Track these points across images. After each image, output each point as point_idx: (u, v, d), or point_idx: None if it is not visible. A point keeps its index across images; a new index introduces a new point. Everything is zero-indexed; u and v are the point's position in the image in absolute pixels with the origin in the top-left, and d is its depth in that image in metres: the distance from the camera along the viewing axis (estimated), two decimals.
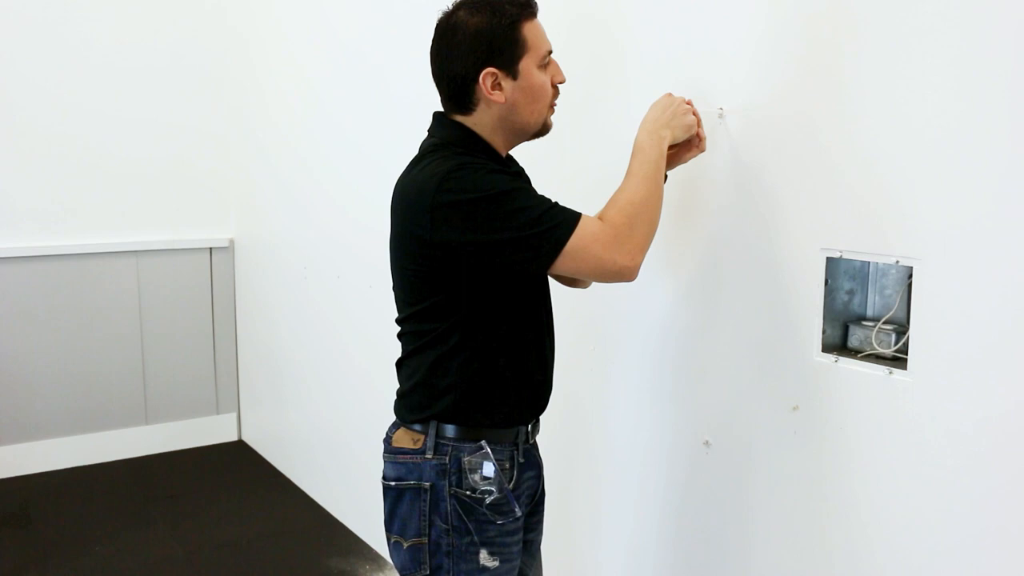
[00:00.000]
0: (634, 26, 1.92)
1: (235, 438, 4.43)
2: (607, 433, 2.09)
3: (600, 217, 1.46)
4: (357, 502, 3.32)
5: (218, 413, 4.38)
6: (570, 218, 1.42)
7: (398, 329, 1.63)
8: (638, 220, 1.46)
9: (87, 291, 4.00)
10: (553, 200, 1.46)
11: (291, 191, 3.73)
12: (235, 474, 4.02)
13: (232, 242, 4.32)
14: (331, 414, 3.51)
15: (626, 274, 1.45)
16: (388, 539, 1.62)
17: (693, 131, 1.64)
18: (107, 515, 3.51)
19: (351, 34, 3.17)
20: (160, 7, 4.04)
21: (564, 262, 1.42)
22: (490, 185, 1.42)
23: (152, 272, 4.14)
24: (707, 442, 1.80)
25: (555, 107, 1.58)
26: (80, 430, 4.03)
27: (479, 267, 1.46)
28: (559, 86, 1.57)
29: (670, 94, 1.64)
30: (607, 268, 1.44)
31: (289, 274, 3.76)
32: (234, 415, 4.42)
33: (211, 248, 4.28)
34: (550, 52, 1.55)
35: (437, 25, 1.53)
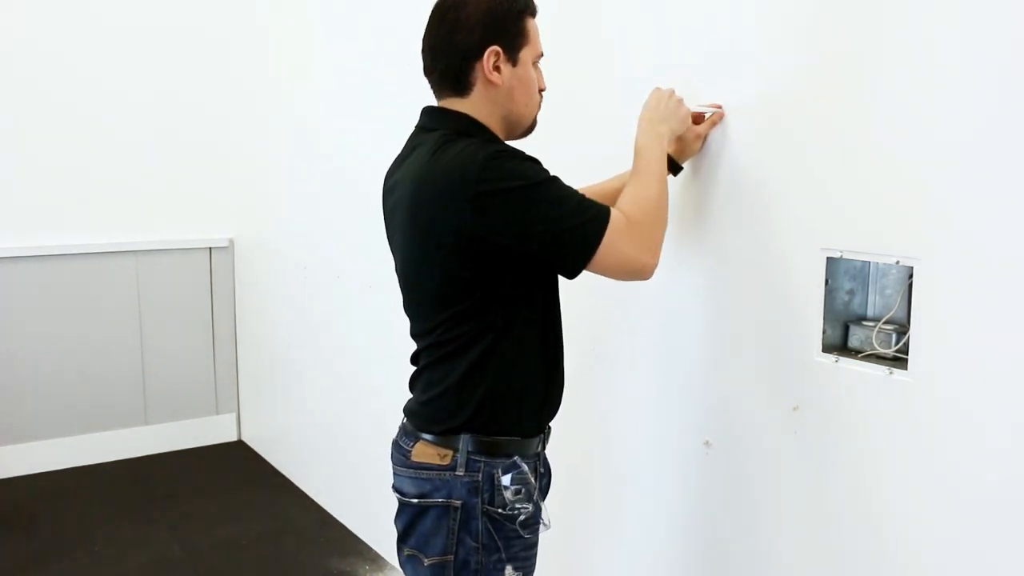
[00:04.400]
0: (632, 24, 1.92)
1: (235, 438, 4.43)
2: (607, 433, 2.09)
3: (620, 213, 1.45)
4: (357, 502, 3.32)
5: (218, 413, 4.38)
6: (602, 212, 1.41)
7: (417, 344, 1.57)
8: (656, 217, 1.48)
9: (87, 291, 4.00)
10: (579, 191, 1.45)
11: (291, 191, 3.73)
12: (235, 474, 4.02)
13: (232, 242, 4.32)
14: (331, 414, 3.51)
15: (647, 272, 1.47)
16: (400, 551, 1.58)
17: (689, 122, 1.66)
18: (107, 515, 3.51)
19: (351, 36, 3.17)
20: (161, 11, 4.04)
21: (596, 258, 1.41)
22: (531, 174, 1.40)
23: (152, 272, 4.14)
24: (707, 442, 1.80)
25: (540, 108, 1.58)
26: (80, 430, 4.03)
27: (515, 262, 1.43)
28: (542, 93, 1.58)
29: (659, 88, 1.65)
30: (632, 265, 1.45)
31: (289, 274, 3.76)
32: (234, 415, 4.42)
33: (211, 248, 4.28)
34: (541, 56, 1.57)
35: (440, 1, 1.51)
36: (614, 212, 1.43)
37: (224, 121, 4.15)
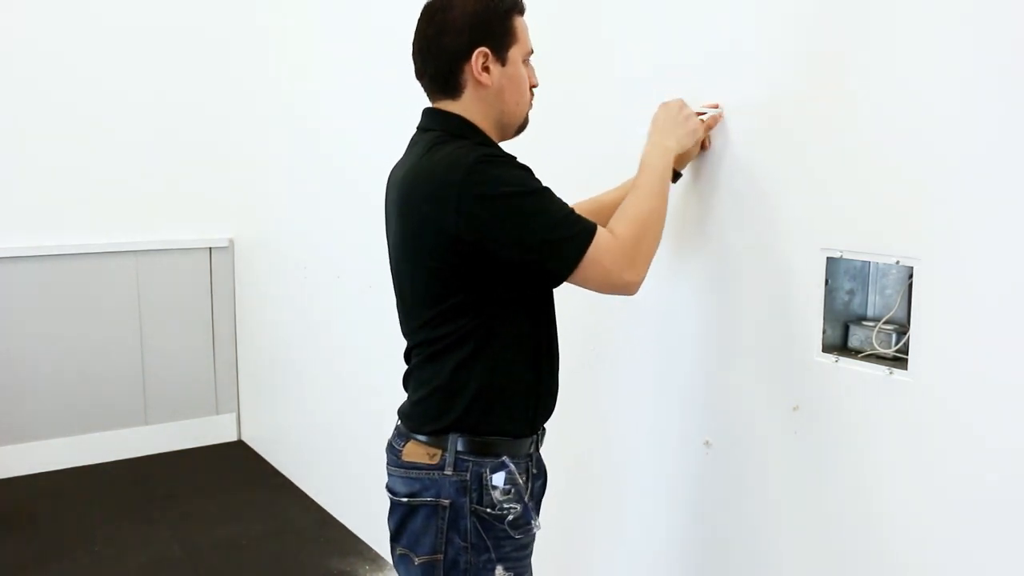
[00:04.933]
0: (632, 24, 1.92)
1: (235, 438, 4.43)
2: (607, 433, 2.09)
3: (609, 230, 1.46)
4: (357, 502, 3.32)
5: (218, 413, 4.38)
6: (588, 227, 1.41)
7: (408, 343, 1.58)
8: (645, 235, 1.47)
9: (87, 291, 4.00)
10: (569, 205, 1.46)
11: (291, 191, 3.73)
12: (235, 474, 4.02)
13: (232, 242, 4.32)
14: (330, 414, 3.51)
15: (630, 289, 1.47)
16: (393, 550, 1.59)
17: (699, 135, 1.65)
18: (107, 515, 3.51)
19: (351, 36, 3.17)
20: (161, 11, 4.04)
21: (577, 272, 1.42)
22: (518, 181, 1.41)
23: (152, 272, 4.14)
24: (707, 442, 1.80)
25: (532, 106, 1.59)
26: (80, 430, 4.03)
27: (498, 265, 1.43)
28: (534, 89, 1.58)
29: (667, 102, 1.64)
30: (613, 282, 1.45)
31: (289, 274, 3.76)
32: (234, 415, 4.42)
33: (211, 248, 4.28)
34: (531, 52, 1.57)
35: (428, 4, 1.52)
36: (600, 229, 1.43)
37: (224, 121, 4.15)
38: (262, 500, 3.71)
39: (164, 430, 4.22)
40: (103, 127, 3.96)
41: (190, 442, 4.28)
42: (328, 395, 3.51)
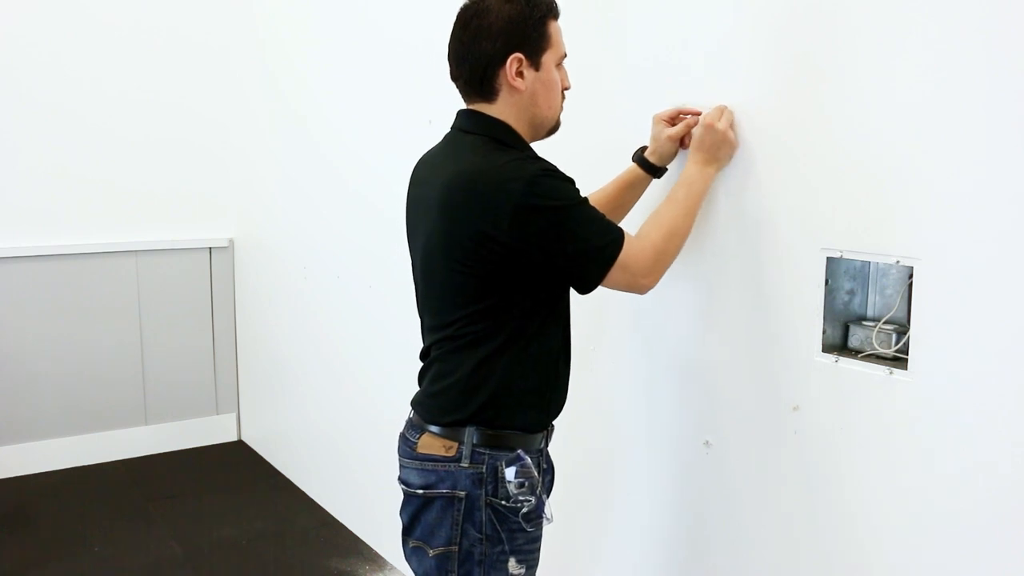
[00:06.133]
0: (631, 24, 1.92)
1: (235, 438, 4.43)
2: (607, 433, 2.09)
3: (640, 235, 1.53)
4: (357, 502, 3.33)
5: (218, 413, 4.38)
6: (618, 236, 1.49)
7: (428, 337, 1.61)
8: (672, 247, 1.57)
9: (87, 291, 4.00)
10: (600, 212, 1.51)
11: (291, 191, 3.73)
12: (235, 474, 4.02)
13: (232, 242, 4.32)
14: (331, 414, 3.51)
15: (643, 291, 1.56)
16: (405, 543, 1.61)
17: (735, 149, 1.67)
18: (107, 515, 3.51)
19: (350, 39, 3.17)
20: (161, 14, 4.04)
21: (607, 276, 1.48)
22: (571, 195, 1.47)
23: (152, 272, 4.13)
24: (707, 442, 1.80)
25: (563, 108, 1.62)
26: (80, 430, 4.03)
27: (535, 271, 1.48)
28: (565, 92, 1.61)
29: (712, 127, 1.63)
30: (635, 283, 1.53)
31: (289, 274, 3.76)
32: (234, 415, 4.42)
33: (211, 248, 4.28)
34: (565, 56, 1.59)
35: (464, 8, 1.54)
36: (627, 236, 1.50)
37: (224, 121, 4.15)
38: (262, 500, 3.71)
39: (164, 430, 4.21)
40: (103, 128, 3.96)
41: (190, 442, 4.28)
42: (328, 395, 3.51)
